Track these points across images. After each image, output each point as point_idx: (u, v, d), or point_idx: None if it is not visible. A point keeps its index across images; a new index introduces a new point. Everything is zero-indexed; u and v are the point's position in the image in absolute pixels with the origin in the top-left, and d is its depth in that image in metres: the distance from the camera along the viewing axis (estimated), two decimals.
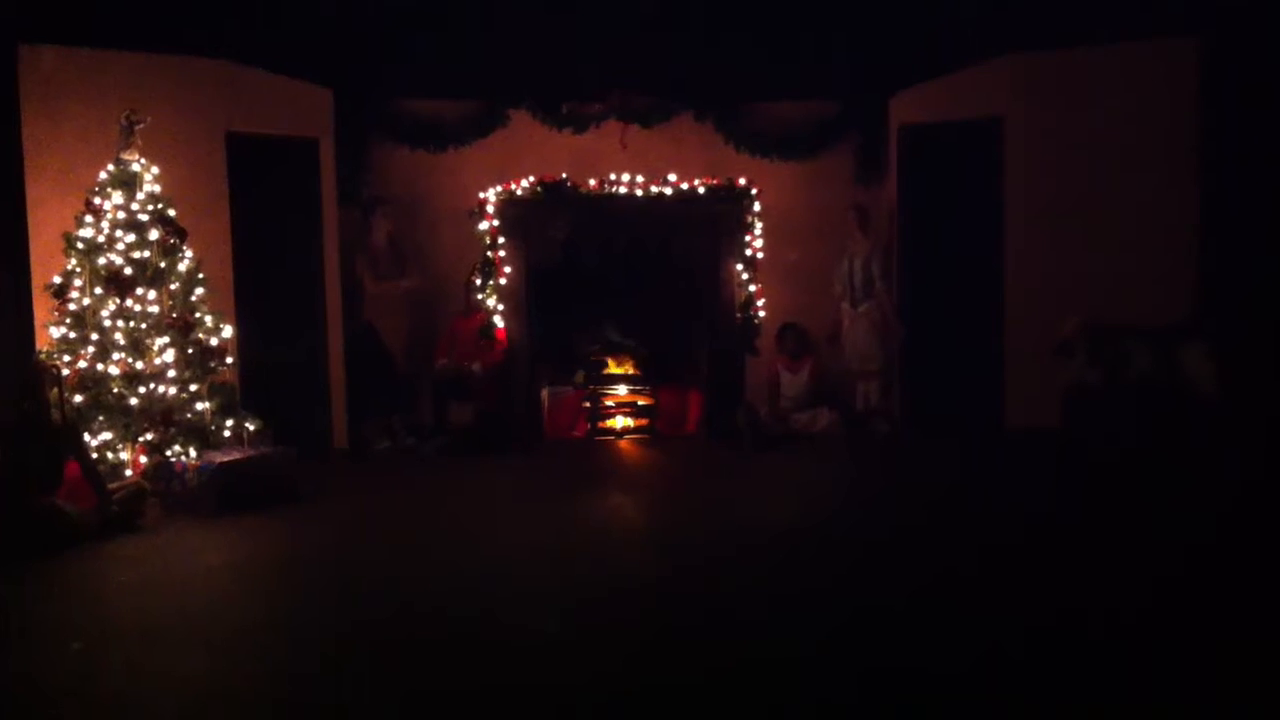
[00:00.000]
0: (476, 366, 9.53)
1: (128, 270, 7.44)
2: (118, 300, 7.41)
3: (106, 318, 7.40)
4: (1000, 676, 3.96)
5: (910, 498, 7.28)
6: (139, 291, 7.46)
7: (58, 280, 7.45)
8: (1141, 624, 4.49)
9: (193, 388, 7.57)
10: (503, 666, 4.27)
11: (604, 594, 5.21)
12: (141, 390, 7.34)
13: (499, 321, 9.61)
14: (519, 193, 9.55)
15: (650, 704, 3.85)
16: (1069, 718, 3.58)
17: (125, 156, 7.63)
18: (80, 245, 7.43)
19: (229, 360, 7.87)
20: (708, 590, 5.23)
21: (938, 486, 7.57)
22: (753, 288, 9.69)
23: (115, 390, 7.30)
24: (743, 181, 9.68)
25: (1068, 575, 5.24)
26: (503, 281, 9.60)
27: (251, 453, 7.45)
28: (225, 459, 7.20)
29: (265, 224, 8.84)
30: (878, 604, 4.91)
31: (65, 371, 7.14)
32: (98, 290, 7.43)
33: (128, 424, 7.27)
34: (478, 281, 9.63)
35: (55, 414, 6.73)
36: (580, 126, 10.03)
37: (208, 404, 7.60)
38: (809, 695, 3.86)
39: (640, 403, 9.86)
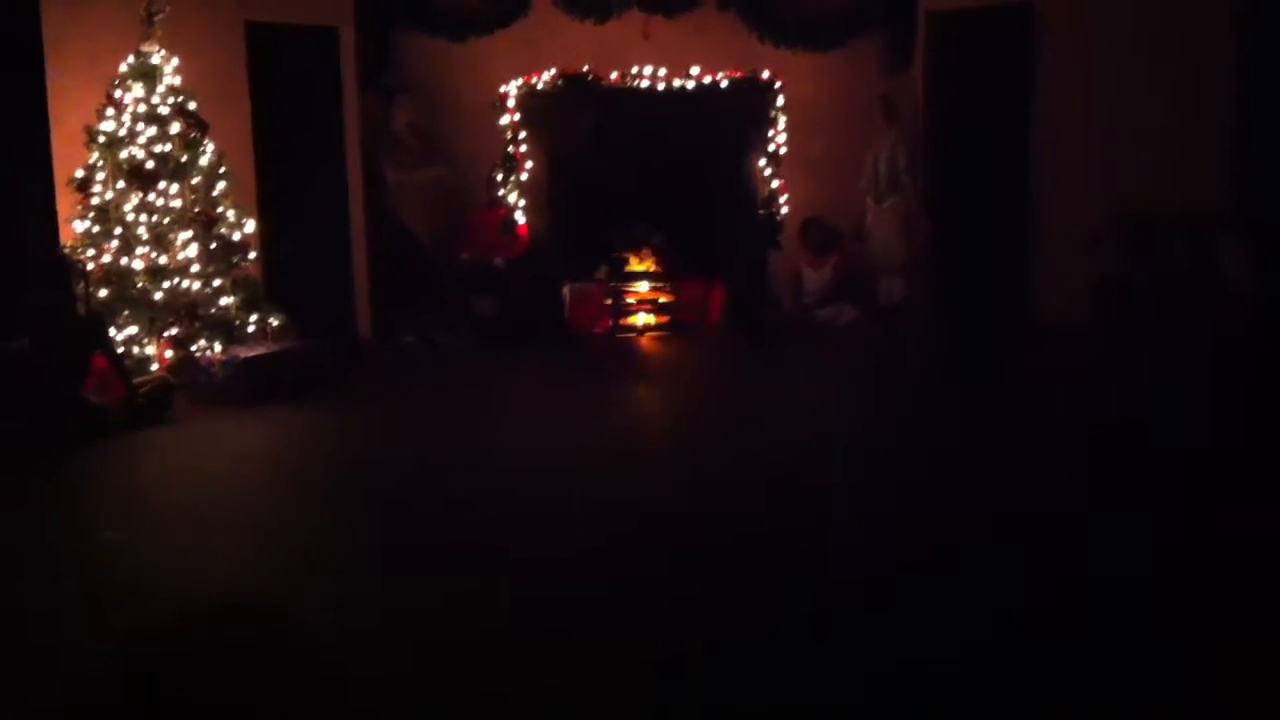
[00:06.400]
0: (498, 261, 9.53)
1: (150, 164, 7.44)
2: (140, 194, 7.43)
3: (129, 212, 7.42)
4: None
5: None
6: (161, 185, 7.47)
7: (80, 174, 7.46)
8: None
9: (216, 282, 7.62)
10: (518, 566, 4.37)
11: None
12: (165, 285, 7.40)
13: (520, 217, 9.58)
14: (540, 86, 9.45)
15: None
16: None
17: (145, 48, 7.58)
18: (102, 139, 7.42)
19: (252, 255, 7.90)
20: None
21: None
22: (776, 183, 9.60)
23: (139, 285, 7.36)
24: (766, 74, 9.53)
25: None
26: (524, 177, 9.54)
27: (276, 347, 7.54)
28: (250, 354, 7.29)
29: (287, 115, 8.79)
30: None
31: (90, 266, 7.20)
32: (120, 184, 7.44)
33: (152, 318, 7.34)
34: (499, 177, 9.58)
35: (80, 308, 6.82)
36: (602, 15, 9.79)
37: (231, 298, 7.66)
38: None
39: (662, 300, 9.85)
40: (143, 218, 7.43)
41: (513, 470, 5.75)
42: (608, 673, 3.41)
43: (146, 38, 7.57)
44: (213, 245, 7.61)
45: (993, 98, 9.26)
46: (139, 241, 7.41)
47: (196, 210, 7.59)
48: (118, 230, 7.41)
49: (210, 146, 7.72)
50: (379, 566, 4.37)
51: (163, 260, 7.44)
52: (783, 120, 9.60)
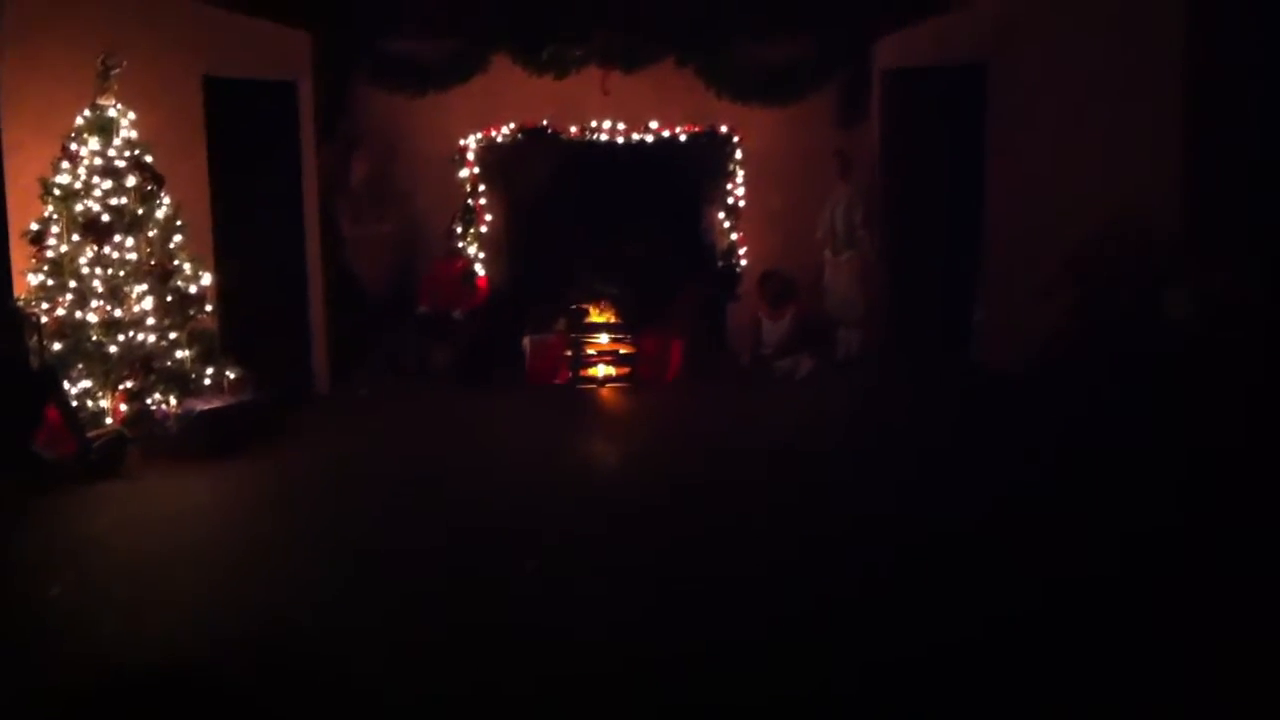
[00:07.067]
0: (457, 314, 9.54)
1: (105, 217, 7.38)
2: (96, 247, 7.37)
3: (85, 265, 7.34)
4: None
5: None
6: (117, 238, 7.41)
7: (35, 227, 7.37)
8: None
9: (172, 335, 7.55)
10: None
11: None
12: (120, 338, 7.31)
13: (480, 269, 9.61)
14: (499, 139, 9.51)
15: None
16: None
17: (102, 101, 7.54)
18: (57, 192, 7.36)
19: (208, 307, 7.86)
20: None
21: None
22: (734, 235, 9.69)
23: (94, 338, 7.27)
24: (724, 129, 9.65)
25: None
26: (483, 229, 9.58)
27: (232, 400, 7.48)
28: (206, 407, 7.24)
29: (244, 169, 8.77)
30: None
31: (44, 319, 7.13)
32: (75, 237, 7.37)
33: (107, 371, 7.24)
34: (458, 230, 9.62)
35: (34, 361, 6.74)
36: (561, 71, 9.90)
37: (187, 351, 7.59)
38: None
39: (621, 352, 9.86)
40: (98, 271, 7.36)
41: (468, 516, 5.85)
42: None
43: (103, 91, 7.53)
44: (169, 298, 7.55)
45: (946, 152, 9.39)
46: (94, 294, 7.33)
47: (152, 263, 7.52)
48: (72, 283, 7.32)
49: (167, 199, 7.68)
50: (332, 611, 4.39)
51: (118, 313, 7.36)
52: (741, 173, 9.70)
